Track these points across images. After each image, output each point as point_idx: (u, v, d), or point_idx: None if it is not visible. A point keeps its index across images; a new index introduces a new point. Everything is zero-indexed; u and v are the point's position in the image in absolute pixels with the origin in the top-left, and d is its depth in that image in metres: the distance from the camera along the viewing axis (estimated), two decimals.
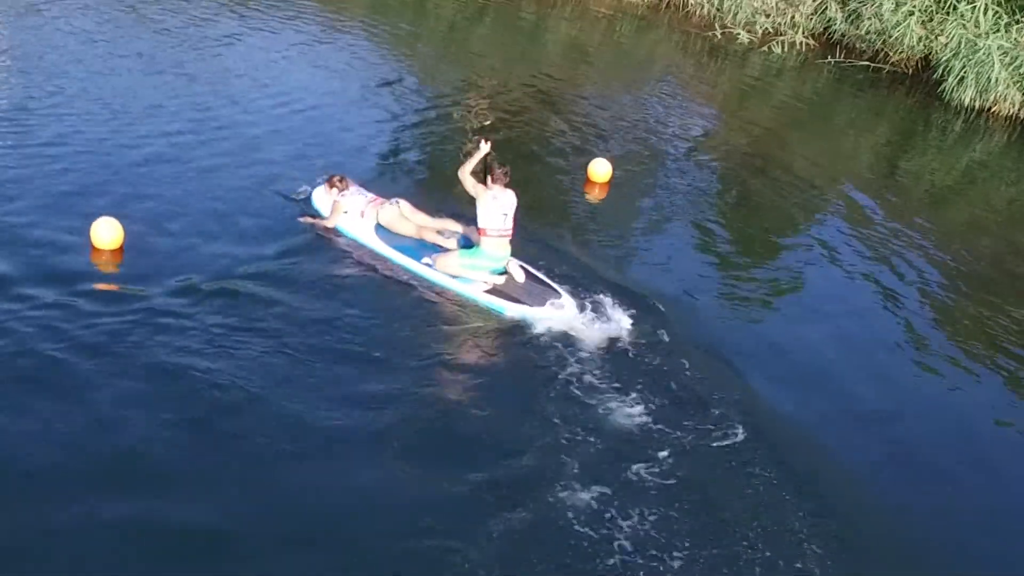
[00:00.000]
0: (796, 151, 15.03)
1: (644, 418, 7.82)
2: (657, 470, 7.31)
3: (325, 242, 10.01)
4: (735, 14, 20.11)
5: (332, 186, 10.24)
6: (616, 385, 8.19)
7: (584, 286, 9.54)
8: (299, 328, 8.46)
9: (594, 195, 12.19)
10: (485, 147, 9.44)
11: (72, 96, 13.03)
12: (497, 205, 9.18)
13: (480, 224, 9.24)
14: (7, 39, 15.08)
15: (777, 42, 19.40)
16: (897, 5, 17.90)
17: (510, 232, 9.32)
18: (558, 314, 8.99)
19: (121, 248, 9.35)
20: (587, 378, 8.27)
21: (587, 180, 12.27)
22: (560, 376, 8.25)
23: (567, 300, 9.14)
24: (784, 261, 11.40)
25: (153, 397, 7.46)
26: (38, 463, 6.73)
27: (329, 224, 10.10)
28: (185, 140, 12.09)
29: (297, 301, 8.86)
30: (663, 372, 8.44)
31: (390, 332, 8.68)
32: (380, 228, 9.96)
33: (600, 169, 12.18)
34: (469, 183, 9.33)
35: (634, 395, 8.08)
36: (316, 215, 10.35)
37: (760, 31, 19.90)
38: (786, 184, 13.50)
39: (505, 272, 9.42)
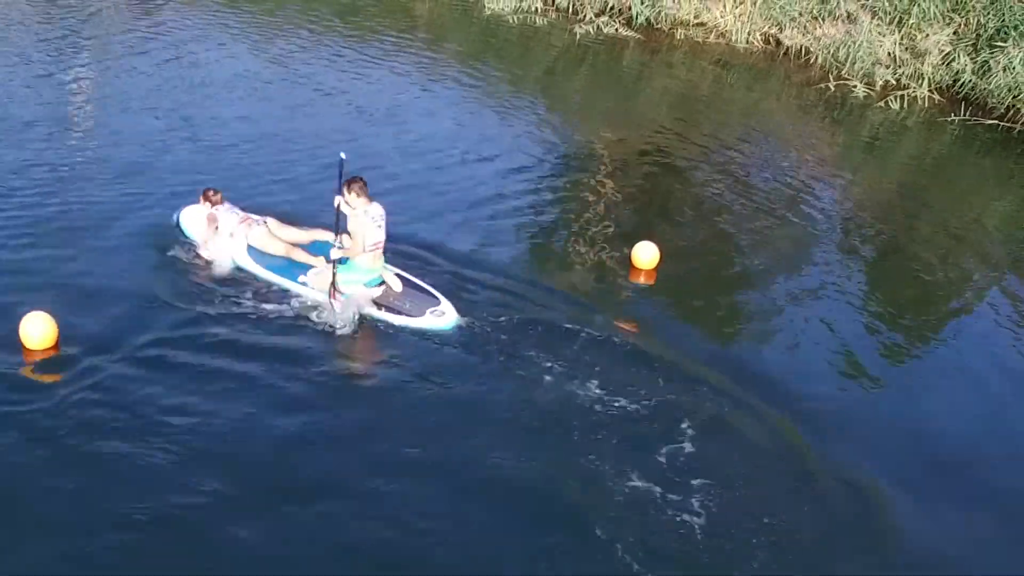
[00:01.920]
0: (913, 222, 13.51)
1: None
2: None
3: (211, 280, 9.82)
4: (852, 64, 18.40)
5: (207, 200, 10.21)
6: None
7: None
8: (197, 382, 8.41)
9: (640, 281, 10.96)
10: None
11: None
12: (370, 219, 9.21)
13: (356, 241, 9.24)
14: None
15: (895, 97, 17.59)
16: None
17: (383, 244, 9.41)
18: (439, 322, 9.17)
19: (56, 344, 8.70)
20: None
21: (631, 266, 11.05)
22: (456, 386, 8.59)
23: (447, 307, 9.29)
24: (901, 353, 10.29)
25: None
26: None
27: (206, 238, 10.09)
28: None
29: (206, 356, 8.75)
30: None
31: (278, 357, 8.76)
32: (252, 249, 9.94)
33: (644, 254, 10.93)
34: (344, 208, 9.31)
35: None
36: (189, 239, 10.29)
37: (880, 83, 18.13)
38: (901, 264, 12.21)
39: (382, 283, 9.50)
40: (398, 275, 9.64)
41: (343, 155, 9.17)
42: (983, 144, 16.49)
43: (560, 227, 12.15)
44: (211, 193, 10.29)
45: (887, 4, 18.52)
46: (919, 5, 18.05)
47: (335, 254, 9.23)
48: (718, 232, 12.46)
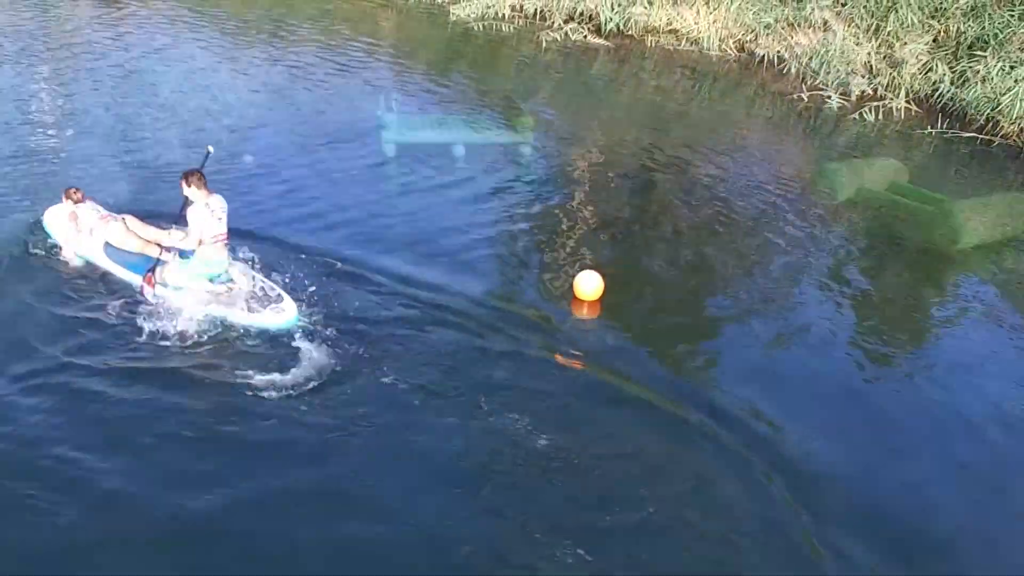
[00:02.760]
0: (890, 241, 12.81)
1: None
2: None
3: (74, 280, 9.66)
4: (827, 74, 17.69)
5: (68, 197, 10.16)
6: None
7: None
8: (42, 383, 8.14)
9: (582, 314, 10.24)
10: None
11: None
12: (210, 212, 9.15)
13: (200, 235, 9.19)
14: None
15: (871, 108, 16.89)
16: (1012, 67, 15.20)
17: (226, 236, 9.34)
18: (278, 318, 9.16)
19: None
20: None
21: (573, 297, 10.34)
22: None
23: (288, 304, 9.29)
24: (874, 381, 9.66)
25: None
26: None
27: (71, 241, 10.03)
28: None
29: (64, 358, 8.49)
30: None
31: (123, 351, 8.65)
32: (109, 246, 9.92)
33: (586, 285, 10.21)
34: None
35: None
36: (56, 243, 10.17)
37: (856, 94, 17.41)
38: (876, 286, 11.61)
39: (230, 280, 9.49)
40: (244, 273, 9.60)
41: (210, 149, 9.57)
42: (961, 157, 15.82)
43: (503, 251, 11.39)
44: (72, 192, 10.27)
45: (863, 11, 17.82)
46: (896, 12, 17.37)
47: (167, 241, 9.42)
48: (677, 257, 11.76)
